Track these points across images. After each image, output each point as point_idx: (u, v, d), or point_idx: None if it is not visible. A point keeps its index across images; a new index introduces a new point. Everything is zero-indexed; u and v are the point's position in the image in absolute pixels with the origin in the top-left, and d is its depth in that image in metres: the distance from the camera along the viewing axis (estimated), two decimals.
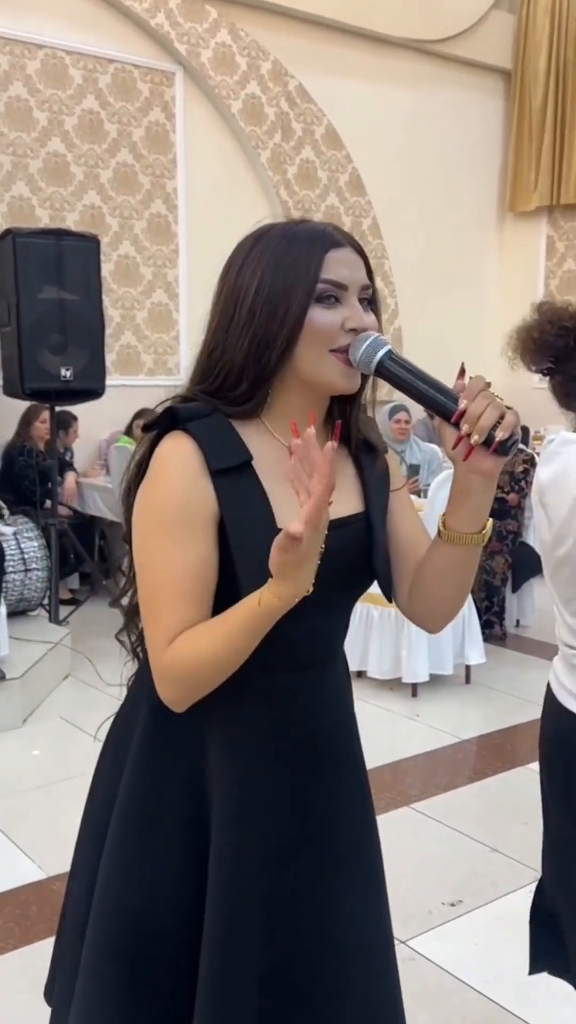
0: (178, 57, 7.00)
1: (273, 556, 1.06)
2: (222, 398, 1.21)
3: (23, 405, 5.73)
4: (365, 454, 1.32)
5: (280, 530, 1.07)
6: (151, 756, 1.28)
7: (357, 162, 7.96)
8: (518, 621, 5.78)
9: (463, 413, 1.10)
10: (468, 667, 4.73)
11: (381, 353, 1.17)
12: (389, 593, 1.32)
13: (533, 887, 2.76)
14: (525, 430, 6.68)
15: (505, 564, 5.40)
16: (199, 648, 1.15)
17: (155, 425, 1.21)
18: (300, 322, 1.17)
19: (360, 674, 4.63)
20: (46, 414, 5.42)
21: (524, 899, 2.75)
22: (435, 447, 6.19)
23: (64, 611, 5.26)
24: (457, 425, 1.11)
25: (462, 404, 1.11)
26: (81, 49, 6.59)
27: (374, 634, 4.54)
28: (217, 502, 1.17)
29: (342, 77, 7.83)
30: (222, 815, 1.25)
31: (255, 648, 1.15)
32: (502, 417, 1.10)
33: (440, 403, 1.14)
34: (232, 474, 1.18)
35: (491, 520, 1.23)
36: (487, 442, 1.10)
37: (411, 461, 5.71)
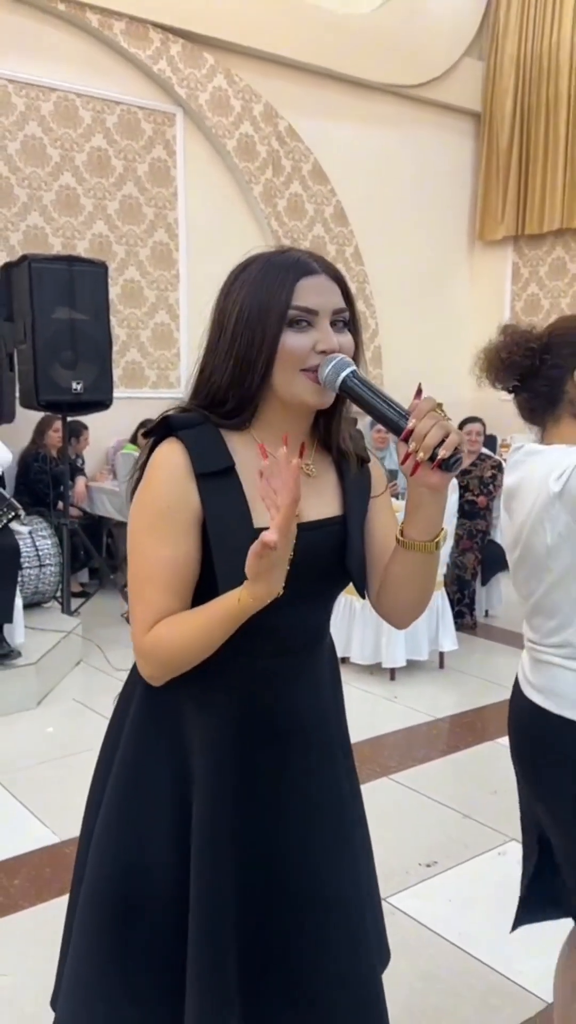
0: (178, 99, 7.01)
1: (249, 561, 1.08)
2: (214, 412, 1.23)
3: (38, 416, 5.74)
4: (348, 462, 1.32)
5: (257, 531, 1.12)
6: (142, 732, 1.29)
7: (341, 195, 7.98)
8: (487, 611, 5.81)
9: (411, 432, 1.12)
10: (442, 653, 4.76)
11: (345, 373, 1.18)
12: (362, 591, 1.33)
13: (503, 848, 2.80)
14: (492, 439, 6.71)
15: (475, 560, 5.43)
16: (177, 634, 1.18)
17: (153, 432, 1.24)
18: (274, 347, 1.18)
19: (344, 660, 4.65)
20: (59, 424, 5.42)
21: (494, 860, 2.80)
22: None
23: (75, 603, 5.26)
24: (407, 442, 1.12)
25: (410, 423, 1.12)
26: (90, 92, 6.59)
27: (357, 623, 4.57)
28: (201, 503, 1.19)
29: (328, 118, 7.86)
30: (203, 789, 1.24)
31: (242, 635, 1.17)
32: (447, 436, 1.10)
33: (393, 421, 1.15)
34: (216, 478, 1.19)
35: (444, 529, 1.23)
36: (432, 459, 1.11)
37: (389, 467, 5.74)
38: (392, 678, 4.53)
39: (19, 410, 5.21)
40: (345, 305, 1.23)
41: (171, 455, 1.20)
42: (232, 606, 1.13)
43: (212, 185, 7.32)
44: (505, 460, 4.86)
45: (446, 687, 4.54)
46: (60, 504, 5.50)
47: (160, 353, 7.14)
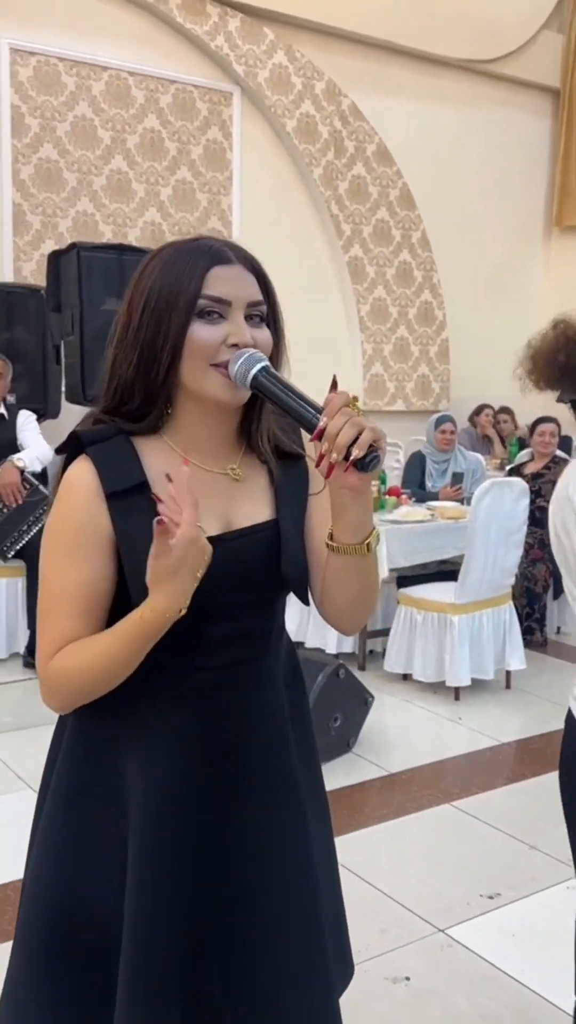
0: (236, 78, 7.11)
1: (149, 564, 1.09)
2: (123, 415, 1.22)
3: (84, 411, 5.85)
4: (278, 461, 1.30)
5: None
6: (74, 761, 1.29)
7: (407, 177, 8.01)
8: (559, 628, 5.78)
9: (323, 430, 1.10)
10: (509, 672, 4.76)
11: (255, 369, 1.16)
12: (302, 596, 1.31)
13: (573, 883, 2.80)
14: (567, 440, 6.66)
15: (546, 571, 5.40)
16: (83, 658, 1.18)
17: (63, 449, 1.23)
18: (181, 337, 1.17)
19: (406, 676, 4.68)
20: None
21: (562, 894, 2.80)
22: (479, 456, 6.22)
23: None
24: (321, 441, 1.10)
25: (322, 422, 1.10)
26: (144, 70, 6.72)
27: (418, 639, 4.58)
28: (111, 523, 1.19)
29: (394, 96, 7.89)
30: (141, 825, 1.23)
31: (181, 651, 1.19)
32: (361, 434, 1.08)
33: (306, 419, 1.14)
34: (127, 496, 1.19)
35: (376, 530, 1.22)
36: (347, 458, 1.09)
37: (455, 469, 5.74)
38: (456, 698, 4.54)
39: (64, 405, 5.34)
40: (262, 299, 1.22)
41: (80, 475, 1.20)
42: (134, 624, 1.14)
43: (269, 168, 7.41)
44: None
45: (513, 709, 4.53)
46: None
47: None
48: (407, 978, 2.41)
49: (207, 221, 7.15)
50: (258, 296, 1.22)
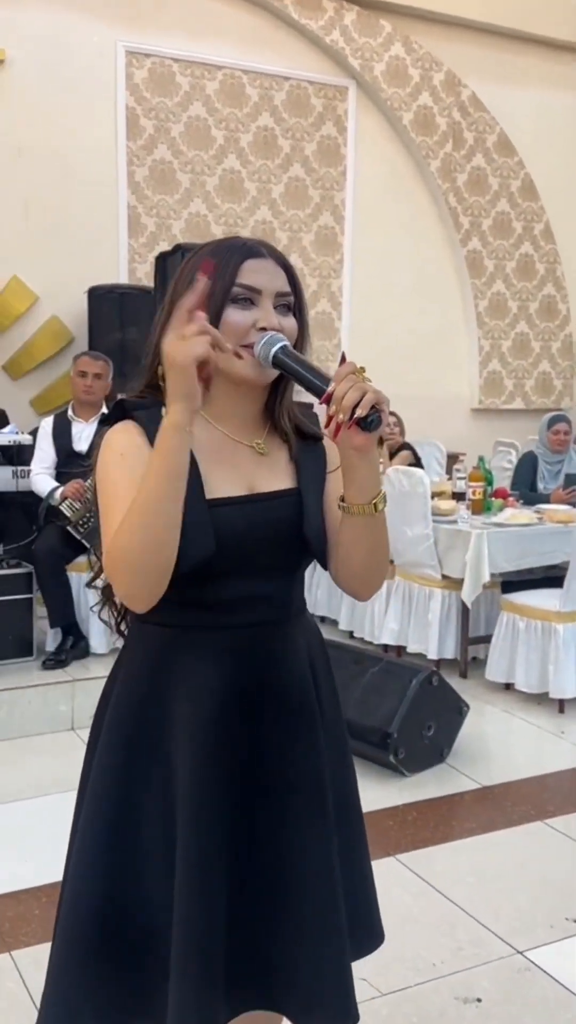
0: (352, 71, 7.11)
1: (168, 339, 1.20)
2: (163, 392, 1.31)
3: None
4: (299, 439, 1.46)
5: (209, 502, 1.31)
6: (124, 713, 1.42)
7: (530, 168, 7.83)
8: None
9: (331, 395, 1.24)
10: None
11: (276, 348, 1.31)
12: (322, 560, 1.44)
13: None
14: None
15: None
16: (124, 521, 1.26)
17: (111, 417, 1.38)
18: (216, 320, 1.30)
19: (508, 686, 4.59)
20: None
21: None
22: None
23: None
24: (329, 406, 1.24)
25: (330, 387, 1.24)
26: (258, 68, 6.80)
27: (521, 647, 4.49)
28: None
29: (516, 84, 7.73)
30: (184, 759, 1.36)
31: (207, 609, 1.35)
32: (364, 396, 1.22)
33: (315, 386, 1.28)
34: None
35: (383, 491, 1.35)
36: (351, 418, 1.23)
37: (569, 471, 5.59)
38: (561, 711, 4.42)
39: None
40: (290, 291, 1.37)
41: (126, 431, 1.35)
42: (162, 440, 1.23)
43: (384, 162, 7.37)
44: None
45: None
46: None
47: (320, 344, 7.26)
48: (479, 999, 2.37)
49: (319, 217, 7.17)
50: (286, 288, 1.37)
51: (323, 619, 5.71)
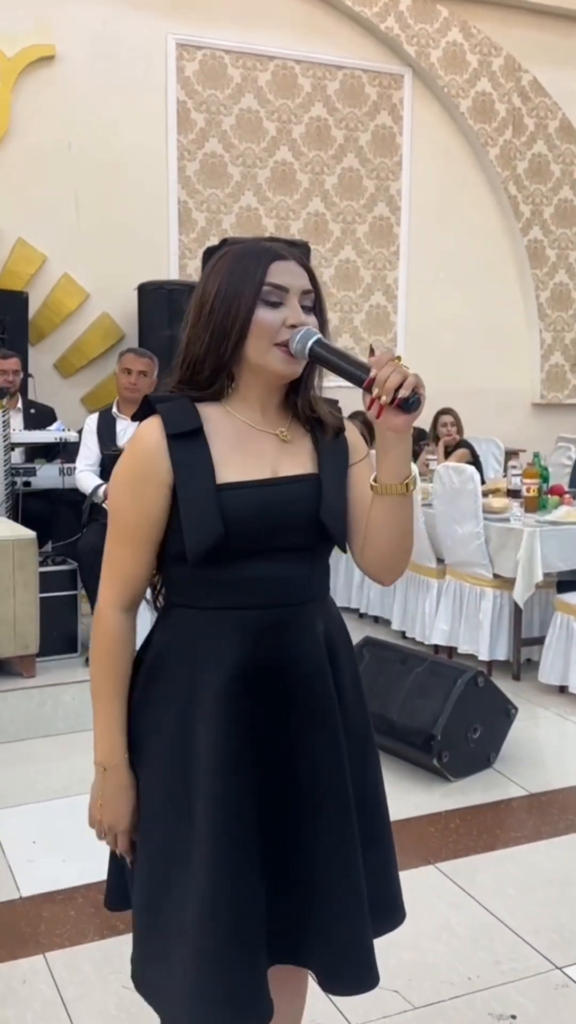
0: (407, 59, 7.02)
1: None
2: (192, 386, 1.48)
3: None
4: (320, 429, 1.54)
5: (220, 486, 1.41)
6: (152, 681, 1.52)
7: None
8: None
9: (373, 380, 1.34)
10: None
11: (311, 341, 1.41)
12: (340, 542, 1.53)
13: None
14: None
15: None
16: (97, 665, 1.51)
17: (139, 415, 1.49)
18: (248, 319, 1.42)
19: (563, 689, 4.46)
20: None
21: None
22: None
23: None
24: (371, 391, 1.34)
25: (372, 372, 1.34)
26: (311, 58, 6.75)
27: (575, 648, 4.36)
28: (171, 460, 1.43)
29: None
30: (205, 734, 1.45)
31: (228, 589, 1.44)
32: (405, 379, 1.32)
33: (355, 374, 1.37)
34: (185, 438, 1.44)
35: (414, 473, 1.45)
36: (393, 401, 1.33)
37: None
38: None
39: None
40: (312, 289, 1.47)
41: (147, 425, 1.46)
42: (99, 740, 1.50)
43: (441, 151, 7.26)
44: None
45: None
46: None
47: (375, 338, 7.18)
48: (513, 1016, 2.28)
49: (373, 208, 7.09)
50: (309, 286, 1.47)
51: (376, 619, 5.64)
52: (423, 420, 6.57)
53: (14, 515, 4.53)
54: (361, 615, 5.74)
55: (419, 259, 7.18)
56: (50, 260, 6.12)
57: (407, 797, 3.39)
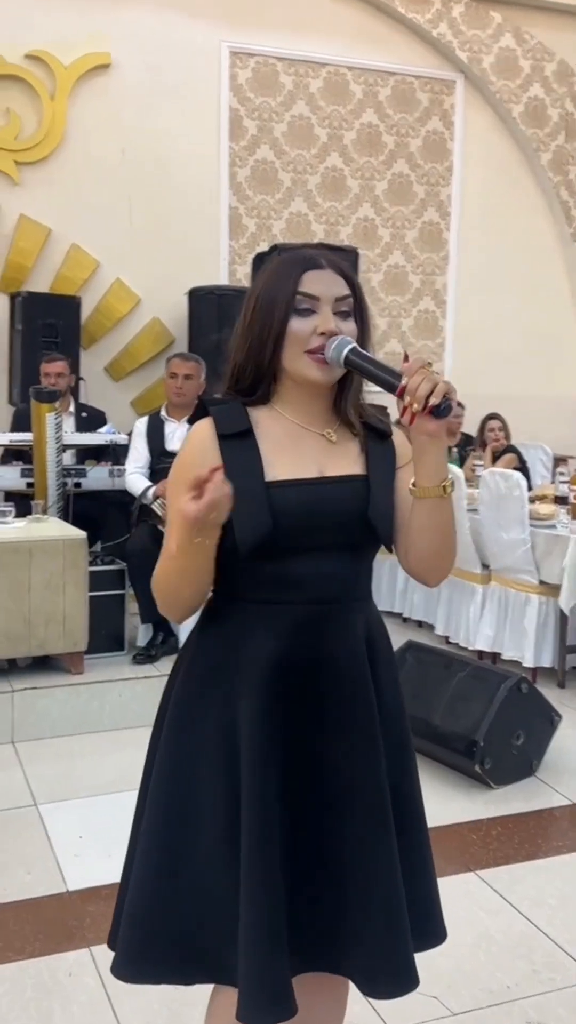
0: (459, 65, 6.99)
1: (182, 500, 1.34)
2: (239, 391, 1.53)
3: None
4: (371, 433, 1.57)
5: (269, 483, 1.45)
6: (194, 673, 1.55)
7: None
8: None
9: (404, 388, 1.36)
10: None
11: (346, 349, 1.44)
12: (388, 542, 1.55)
13: None
14: None
15: None
16: (157, 569, 1.48)
17: (195, 416, 1.55)
18: (283, 328, 1.46)
19: None
20: None
21: None
22: None
23: None
24: (403, 398, 1.37)
25: (404, 381, 1.37)
26: (362, 64, 6.75)
27: None
28: (222, 459, 1.45)
29: None
30: (248, 723, 1.47)
31: (274, 585, 1.47)
32: (436, 387, 1.35)
33: (388, 382, 1.40)
34: (236, 439, 1.49)
35: (451, 476, 1.47)
36: (425, 408, 1.36)
37: None
38: None
39: None
40: (349, 294, 1.48)
41: (200, 426, 1.52)
42: (182, 541, 1.40)
43: (493, 157, 7.22)
44: None
45: None
46: None
47: (423, 343, 7.16)
48: None
49: (423, 213, 7.08)
50: (344, 292, 1.48)
51: (420, 624, 5.62)
52: (470, 425, 6.55)
53: (65, 515, 4.60)
54: (405, 619, 5.73)
55: (468, 264, 7.15)
56: (103, 265, 6.20)
57: (448, 803, 3.38)
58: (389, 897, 1.50)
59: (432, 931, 1.61)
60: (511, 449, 6.24)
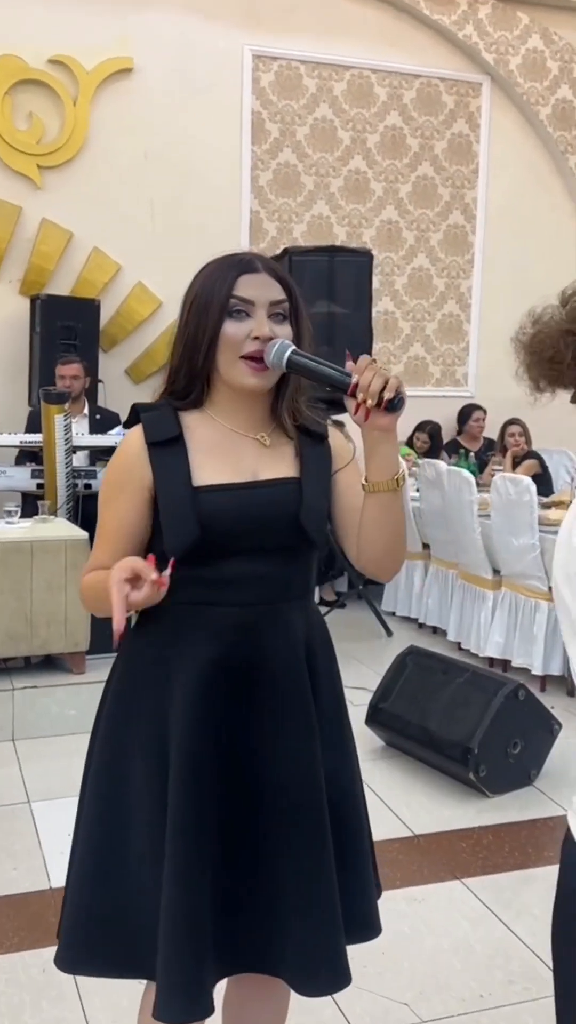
0: (485, 67, 6.95)
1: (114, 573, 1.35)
2: (173, 395, 1.54)
3: None
4: (305, 436, 1.56)
5: (196, 488, 1.46)
6: (128, 680, 1.57)
7: None
8: None
9: (356, 386, 1.38)
10: None
11: (288, 352, 1.44)
12: (321, 545, 1.56)
13: None
14: None
15: None
16: (92, 581, 1.51)
17: (129, 421, 1.56)
18: (217, 332, 1.46)
19: None
20: None
21: None
22: None
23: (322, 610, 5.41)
24: (355, 396, 1.38)
25: (354, 378, 1.38)
26: (387, 67, 6.74)
27: None
28: (151, 467, 1.49)
29: None
30: (177, 730, 1.49)
31: (208, 587, 1.49)
32: (387, 382, 1.37)
33: (338, 380, 1.41)
34: (165, 445, 1.50)
35: (403, 471, 1.49)
36: (379, 404, 1.37)
37: None
38: None
39: None
40: (284, 298, 1.48)
41: (131, 434, 1.53)
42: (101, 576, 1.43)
43: (520, 159, 7.17)
44: None
45: None
46: None
47: (447, 347, 7.12)
48: None
49: (448, 216, 7.05)
50: (279, 296, 1.48)
51: (435, 629, 5.59)
52: (491, 430, 6.50)
53: (74, 516, 4.65)
54: (420, 625, 5.70)
55: (494, 267, 7.10)
56: (124, 269, 6.25)
57: (440, 811, 3.35)
58: (321, 896, 1.51)
59: (367, 924, 1.62)
60: (532, 455, 6.17)
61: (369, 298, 5.10)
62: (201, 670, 1.49)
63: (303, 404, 1.57)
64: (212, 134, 6.36)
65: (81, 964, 1.60)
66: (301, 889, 1.50)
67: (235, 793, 1.50)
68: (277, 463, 1.53)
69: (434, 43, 6.84)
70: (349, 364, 1.40)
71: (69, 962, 1.60)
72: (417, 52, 6.79)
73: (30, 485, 4.78)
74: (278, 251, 6.33)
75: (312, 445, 1.57)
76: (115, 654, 1.62)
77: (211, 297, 1.46)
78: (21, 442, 4.89)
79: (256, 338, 1.44)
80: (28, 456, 5.07)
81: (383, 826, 3.22)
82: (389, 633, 5.39)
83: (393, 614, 5.78)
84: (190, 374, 1.51)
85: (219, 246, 5.82)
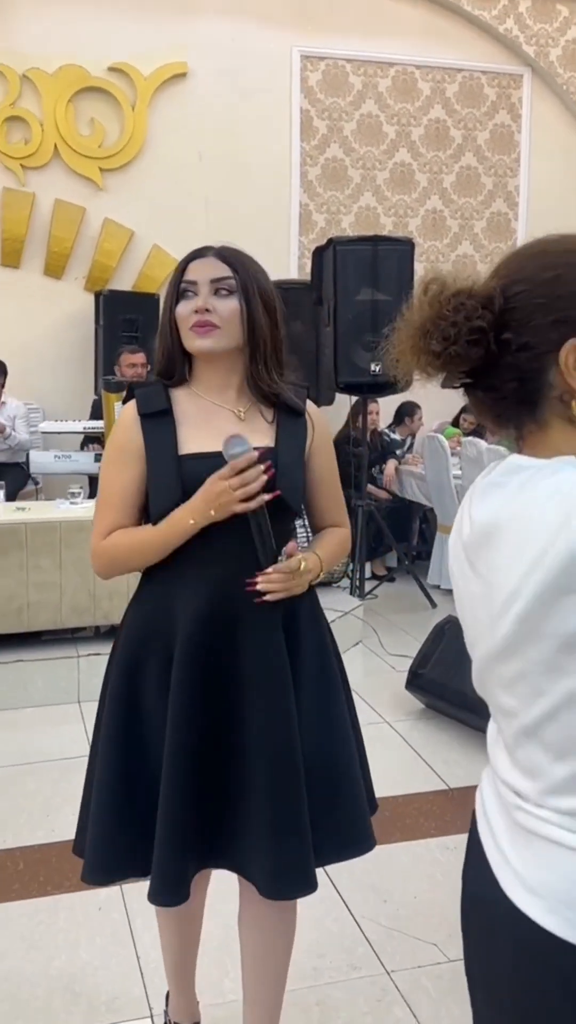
0: (526, 59, 6.84)
1: (211, 481, 1.54)
2: (161, 375, 1.69)
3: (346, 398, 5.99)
4: (283, 410, 1.68)
5: (181, 457, 1.59)
6: (137, 626, 1.69)
7: None
8: None
9: (265, 575, 1.58)
10: None
11: (238, 450, 1.55)
12: (297, 509, 1.68)
13: None
14: None
15: None
16: (123, 541, 1.63)
17: (126, 399, 1.69)
18: (173, 314, 1.63)
19: None
20: (372, 406, 5.61)
21: None
22: None
23: (370, 585, 5.44)
24: (263, 572, 1.58)
25: (272, 567, 1.58)
26: (430, 62, 6.68)
27: None
28: (143, 437, 1.62)
29: None
30: (177, 660, 1.62)
31: (192, 549, 1.59)
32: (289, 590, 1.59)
33: (261, 553, 1.58)
34: (155, 417, 1.63)
35: (303, 560, 1.63)
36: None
37: None
38: None
39: (322, 393, 5.48)
40: (228, 275, 1.59)
41: (126, 409, 1.66)
42: (184, 522, 1.58)
43: (560, 147, 7.05)
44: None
45: None
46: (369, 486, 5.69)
47: None
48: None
49: (491, 204, 6.96)
50: (222, 274, 1.60)
51: None
52: None
53: None
54: None
55: None
56: None
57: (473, 766, 3.38)
58: (289, 814, 1.62)
59: (361, 838, 1.72)
60: None
61: (411, 285, 5.08)
62: (192, 623, 1.61)
63: (284, 387, 1.67)
64: (262, 133, 6.38)
65: (112, 876, 1.75)
66: (274, 807, 1.62)
67: (223, 724, 1.63)
68: (253, 434, 1.61)
69: (476, 38, 6.75)
70: (290, 546, 1.60)
71: (102, 877, 1.74)
72: (459, 47, 6.71)
73: (94, 468, 4.88)
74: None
75: (288, 418, 1.68)
76: None
77: (171, 286, 1.64)
78: (84, 428, 5.00)
79: (196, 311, 1.58)
80: (92, 440, 5.18)
81: (419, 780, 3.26)
82: (433, 605, 5.39)
83: (438, 587, 5.77)
84: (167, 354, 1.66)
85: (270, 240, 5.88)
